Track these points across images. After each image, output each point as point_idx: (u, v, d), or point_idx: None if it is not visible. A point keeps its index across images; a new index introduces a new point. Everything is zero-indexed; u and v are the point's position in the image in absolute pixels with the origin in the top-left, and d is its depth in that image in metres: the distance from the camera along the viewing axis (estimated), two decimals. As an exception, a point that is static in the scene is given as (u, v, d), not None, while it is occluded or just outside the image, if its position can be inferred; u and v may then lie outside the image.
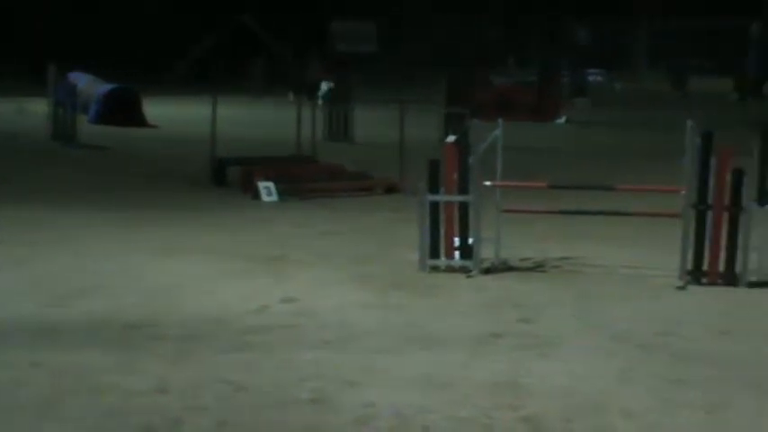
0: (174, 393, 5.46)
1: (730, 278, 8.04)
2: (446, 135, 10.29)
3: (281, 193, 12.20)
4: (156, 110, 23.36)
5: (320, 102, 20.18)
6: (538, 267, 8.71)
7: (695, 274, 8.12)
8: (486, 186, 8.48)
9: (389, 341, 6.50)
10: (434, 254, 8.48)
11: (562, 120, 24.94)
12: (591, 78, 33.46)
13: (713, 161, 7.99)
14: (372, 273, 8.41)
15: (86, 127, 19.42)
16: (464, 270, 8.41)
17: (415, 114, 15.44)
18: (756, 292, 7.89)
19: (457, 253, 8.52)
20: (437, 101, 20.30)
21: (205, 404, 5.31)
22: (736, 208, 8.00)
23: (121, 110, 21.73)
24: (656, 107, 28.27)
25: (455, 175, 8.44)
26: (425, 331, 6.74)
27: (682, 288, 7.99)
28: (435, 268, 8.45)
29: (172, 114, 24.21)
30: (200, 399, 5.39)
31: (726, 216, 8.04)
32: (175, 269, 8.45)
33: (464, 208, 8.46)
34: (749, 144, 11.50)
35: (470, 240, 8.47)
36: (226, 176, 13.42)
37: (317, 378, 5.73)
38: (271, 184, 12.24)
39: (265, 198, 12.13)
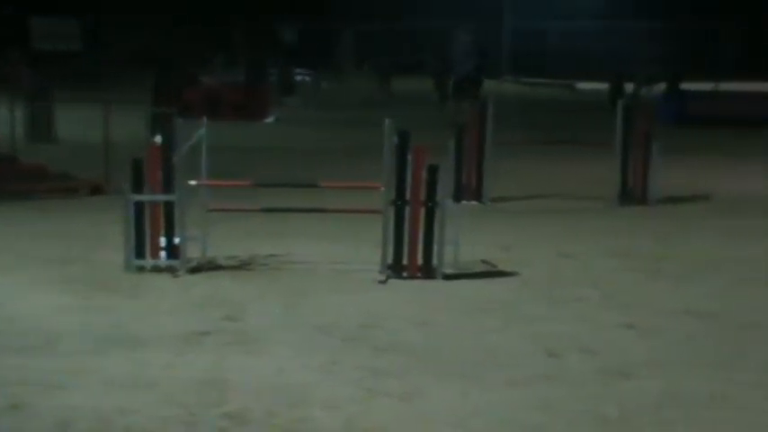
0: None
1: (428, 271, 8.37)
2: (152, 135, 10.21)
3: (-21, 195, 11.75)
4: None
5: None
6: (245, 265, 8.79)
7: (396, 268, 8.41)
8: (191, 185, 8.48)
9: (92, 343, 6.41)
10: (140, 254, 8.41)
11: (271, 119, 25.13)
12: (299, 78, 33.86)
13: (410, 158, 8.31)
14: (76, 275, 8.25)
15: None
16: (171, 270, 8.39)
17: (122, 114, 15.19)
18: (452, 283, 8.26)
19: (163, 253, 8.48)
20: (143, 100, 20.04)
21: None
22: (432, 203, 8.35)
23: None
24: (362, 107, 28.92)
25: (159, 175, 8.40)
26: (130, 332, 6.69)
27: (383, 282, 8.26)
28: (141, 269, 8.39)
29: None
30: None
31: (423, 211, 8.37)
32: None
33: (169, 207, 8.43)
34: (446, 142, 12.01)
35: (176, 240, 8.45)
36: None
37: (17, 384, 5.59)
38: (-32, 186, 11.77)
39: (-38, 201, 11.65)
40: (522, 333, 6.91)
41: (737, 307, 7.68)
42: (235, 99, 25.38)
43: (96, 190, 12.63)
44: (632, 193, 12.40)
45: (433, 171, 8.34)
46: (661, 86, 30.34)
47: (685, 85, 29.42)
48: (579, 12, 40.94)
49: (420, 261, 8.39)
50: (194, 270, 8.48)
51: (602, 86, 30.58)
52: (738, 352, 6.56)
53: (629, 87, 29.72)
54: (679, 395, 5.70)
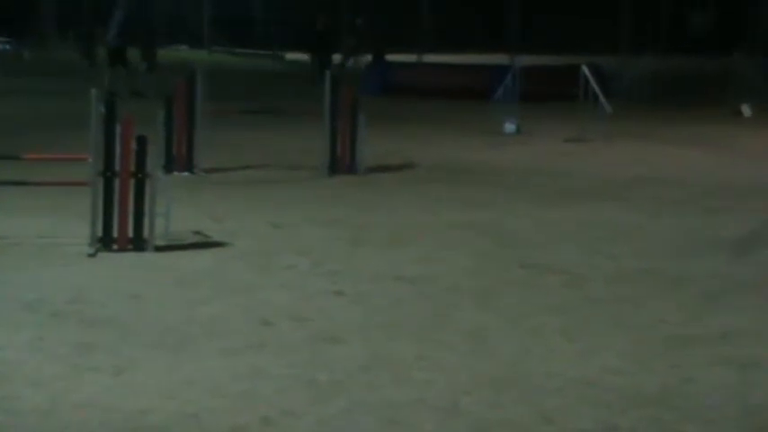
0: None
1: (139, 243, 8.28)
2: None
3: None
4: None
5: None
6: (-57, 242, 8.43)
7: (105, 241, 8.28)
8: None
9: None
10: None
11: (-31, 89, 24.00)
12: (-1, 47, 32.55)
13: (118, 129, 8.19)
14: None
15: None
16: None
17: None
18: (163, 255, 8.21)
19: None
20: None
21: None
22: (141, 175, 8.26)
23: None
24: (66, 76, 28.07)
25: None
26: None
27: (93, 255, 8.11)
28: None
29: None
30: None
31: (133, 183, 8.27)
32: None
33: None
34: (155, 112, 11.88)
35: None
36: None
37: None
38: None
39: None
40: (234, 303, 6.96)
41: (441, 271, 8.01)
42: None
43: None
44: (341, 163, 12.65)
45: (142, 142, 8.25)
46: (367, 57, 31.00)
47: (390, 57, 30.18)
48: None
49: (131, 233, 8.29)
50: None
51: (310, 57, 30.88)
52: (441, 314, 6.86)
53: (336, 58, 30.18)
54: (387, 358, 5.91)
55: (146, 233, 8.29)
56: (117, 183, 8.25)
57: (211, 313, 6.71)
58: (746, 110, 20.69)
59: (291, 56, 34.60)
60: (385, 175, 12.73)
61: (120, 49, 22.63)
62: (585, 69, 16.86)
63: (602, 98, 16.74)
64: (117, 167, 8.23)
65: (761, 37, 28.53)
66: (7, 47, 33.43)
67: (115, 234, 8.29)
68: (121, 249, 8.26)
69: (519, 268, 8.20)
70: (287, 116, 17.32)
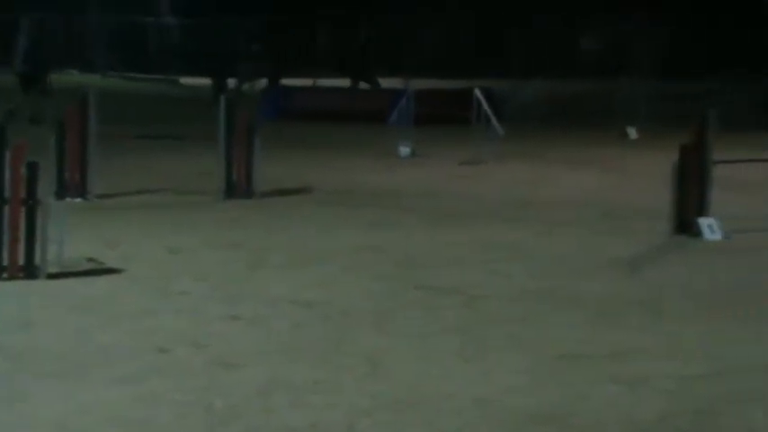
0: None
1: (31, 271, 8.14)
2: None
3: None
4: None
5: None
6: None
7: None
8: None
9: None
10: None
11: None
12: None
13: (7, 155, 8.06)
14: None
15: None
16: None
17: None
18: (56, 283, 8.07)
19: None
20: None
21: None
22: (32, 201, 8.14)
23: None
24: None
25: None
26: None
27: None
28: None
29: None
30: None
31: (23, 210, 8.14)
32: None
33: None
34: (46, 139, 11.70)
35: None
36: None
37: None
38: None
39: None
40: (129, 329, 6.89)
41: (339, 295, 8.02)
42: None
43: None
44: (237, 187, 12.61)
45: (32, 168, 8.13)
46: (263, 82, 31.01)
47: (286, 81, 30.23)
48: (177, 8, 40.82)
49: (21, 261, 8.15)
50: None
51: (206, 82, 30.79)
52: (339, 338, 6.87)
53: (231, 83, 30.15)
54: (285, 382, 5.90)
55: (38, 261, 8.16)
56: (6, 210, 8.11)
57: (106, 340, 6.62)
58: (632, 132, 21.20)
59: (186, 80, 34.40)
60: (282, 198, 12.73)
61: (28, 74, 22.36)
62: (478, 93, 17.09)
63: (494, 121, 17.00)
64: (6, 194, 8.10)
65: (645, 61, 29.25)
66: None
67: (5, 262, 8.14)
68: (12, 277, 8.11)
69: (416, 290, 8.25)
70: (183, 141, 17.22)
